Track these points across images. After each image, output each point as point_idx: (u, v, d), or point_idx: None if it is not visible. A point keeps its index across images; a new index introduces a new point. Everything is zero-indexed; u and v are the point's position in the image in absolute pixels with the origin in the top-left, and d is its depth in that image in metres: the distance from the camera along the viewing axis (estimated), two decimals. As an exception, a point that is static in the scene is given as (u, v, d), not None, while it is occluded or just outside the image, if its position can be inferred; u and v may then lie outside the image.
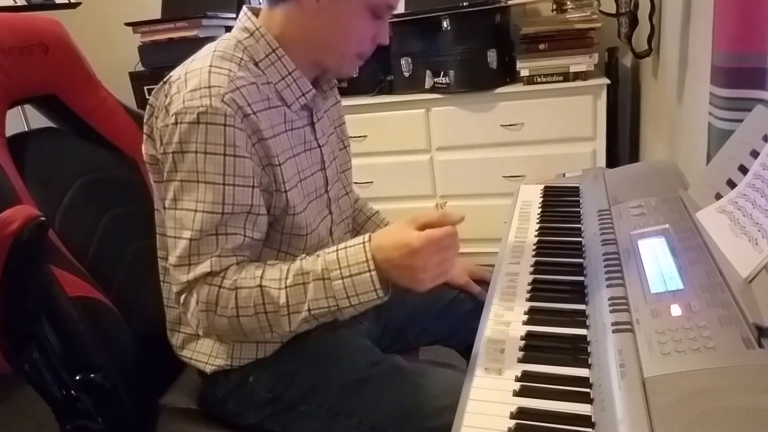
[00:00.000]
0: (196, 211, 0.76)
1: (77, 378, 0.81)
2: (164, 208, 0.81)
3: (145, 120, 0.85)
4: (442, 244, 0.73)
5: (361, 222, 1.17)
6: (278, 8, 0.84)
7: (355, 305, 0.75)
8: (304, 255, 0.80)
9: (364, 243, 0.76)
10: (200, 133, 0.75)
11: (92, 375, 0.82)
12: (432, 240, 0.72)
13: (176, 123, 0.76)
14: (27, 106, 1.05)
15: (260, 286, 0.76)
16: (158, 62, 2.43)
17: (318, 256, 0.78)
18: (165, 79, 0.82)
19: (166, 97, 0.80)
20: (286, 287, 0.76)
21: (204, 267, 0.77)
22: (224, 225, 0.77)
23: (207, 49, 0.84)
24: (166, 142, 0.78)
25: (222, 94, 0.75)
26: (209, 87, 0.76)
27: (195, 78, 0.77)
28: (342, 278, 0.74)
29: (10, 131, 0.95)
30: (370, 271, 0.74)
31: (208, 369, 0.90)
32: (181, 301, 0.80)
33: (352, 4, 0.82)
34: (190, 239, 0.76)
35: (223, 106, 0.75)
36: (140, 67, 2.51)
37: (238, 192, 0.77)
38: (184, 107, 0.75)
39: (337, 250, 0.76)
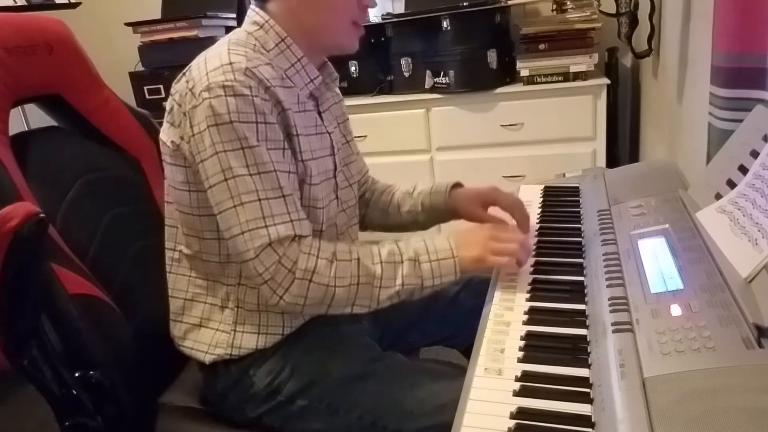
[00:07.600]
0: (251, 174, 0.79)
1: (77, 375, 0.81)
2: (209, 186, 0.81)
3: (167, 110, 0.88)
4: (497, 229, 0.91)
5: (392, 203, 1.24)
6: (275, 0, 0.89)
7: (436, 285, 0.86)
8: (391, 241, 0.88)
9: (447, 237, 0.88)
10: (231, 104, 0.78)
11: (92, 372, 0.82)
12: (489, 224, 0.96)
13: (205, 99, 0.78)
14: (28, 106, 1.05)
15: (357, 259, 0.83)
16: (158, 62, 2.42)
17: (405, 243, 0.87)
18: (183, 71, 0.86)
19: (188, 82, 0.83)
20: (381, 262, 0.84)
21: (286, 229, 0.80)
22: (284, 186, 0.81)
23: (221, 41, 0.88)
24: (198, 121, 0.80)
25: (243, 68, 0.80)
26: (230, 63, 0.80)
27: (215, 59, 0.81)
28: (430, 261, 0.85)
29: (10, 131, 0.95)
30: (454, 257, 0.86)
31: (208, 359, 0.90)
32: (257, 263, 0.79)
33: None
34: (259, 200, 0.79)
35: (246, 78, 0.79)
36: (140, 67, 2.50)
37: (276, 154, 0.82)
38: (209, 83, 0.79)
39: (424, 240, 0.88)
